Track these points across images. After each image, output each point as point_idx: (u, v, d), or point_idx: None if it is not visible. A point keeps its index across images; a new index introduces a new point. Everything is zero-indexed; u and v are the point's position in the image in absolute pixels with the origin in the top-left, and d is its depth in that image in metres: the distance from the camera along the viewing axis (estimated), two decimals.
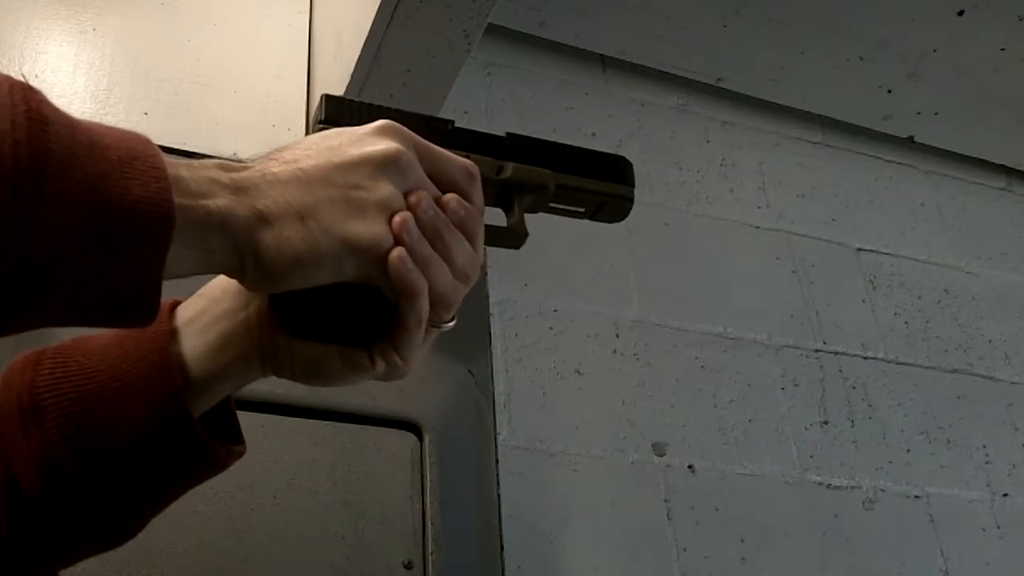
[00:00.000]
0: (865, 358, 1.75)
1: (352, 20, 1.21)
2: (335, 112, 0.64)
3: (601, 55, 1.80)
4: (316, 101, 0.65)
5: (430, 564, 1.12)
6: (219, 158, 0.54)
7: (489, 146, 0.70)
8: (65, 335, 0.59)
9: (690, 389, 1.55)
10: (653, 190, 1.72)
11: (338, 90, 1.22)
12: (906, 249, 1.93)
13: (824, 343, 1.72)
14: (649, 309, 1.59)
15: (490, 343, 1.34)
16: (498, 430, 1.33)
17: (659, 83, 1.84)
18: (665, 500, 1.44)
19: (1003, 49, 1.78)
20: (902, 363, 1.78)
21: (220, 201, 0.50)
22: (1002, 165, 2.15)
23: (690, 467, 1.48)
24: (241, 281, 0.54)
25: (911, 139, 2.04)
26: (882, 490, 1.62)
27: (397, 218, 0.55)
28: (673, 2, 1.67)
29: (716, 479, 1.49)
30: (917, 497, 1.64)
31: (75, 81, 1.27)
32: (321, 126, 0.62)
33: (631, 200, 0.75)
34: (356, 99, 0.67)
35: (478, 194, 0.61)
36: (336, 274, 0.54)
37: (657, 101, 1.83)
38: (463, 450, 1.23)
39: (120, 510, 0.60)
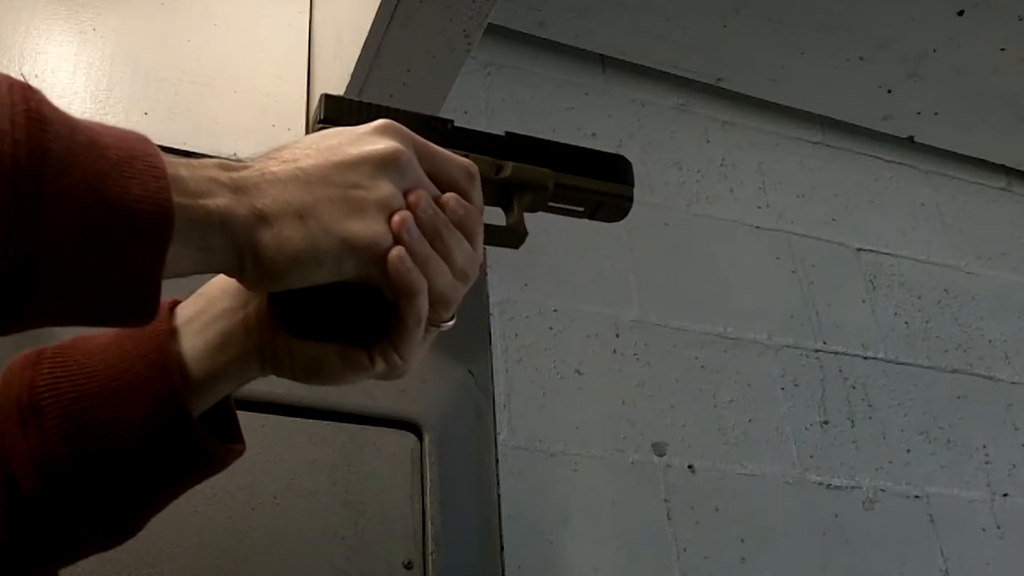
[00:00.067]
0: (865, 358, 1.75)
1: (352, 20, 1.21)
2: (334, 112, 0.64)
3: (601, 55, 1.80)
4: (316, 101, 0.65)
5: (430, 564, 1.12)
6: (219, 158, 0.54)
7: (488, 145, 0.70)
8: (65, 335, 0.59)
9: (690, 389, 1.55)
10: (653, 190, 1.72)
11: (338, 90, 1.22)
12: (906, 249, 1.93)
13: (824, 343, 1.72)
14: (649, 309, 1.59)
15: (490, 343, 1.34)
16: (498, 430, 1.33)
17: (659, 83, 1.84)
18: (665, 500, 1.44)
19: (1003, 49, 1.78)
20: (902, 363, 1.78)
21: (219, 200, 0.50)
22: (1002, 165, 2.15)
23: (690, 467, 1.48)
24: (240, 280, 0.54)
25: (911, 139, 2.04)
26: (882, 490, 1.62)
27: (396, 217, 0.55)
28: (673, 2, 1.67)
29: (716, 479, 1.49)
30: (917, 497, 1.64)
31: (75, 81, 1.27)
32: (320, 125, 0.62)
33: (630, 199, 0.75)
34: (356, 99, 0.67)
35: (477, 193, 0.61)
36: (335, 273, 0.54)
37: (657, 101, 1.83)
38: (463, 450, 1.23)
39: (119, 509, 0.60)
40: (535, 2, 1.66)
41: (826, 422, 1.64)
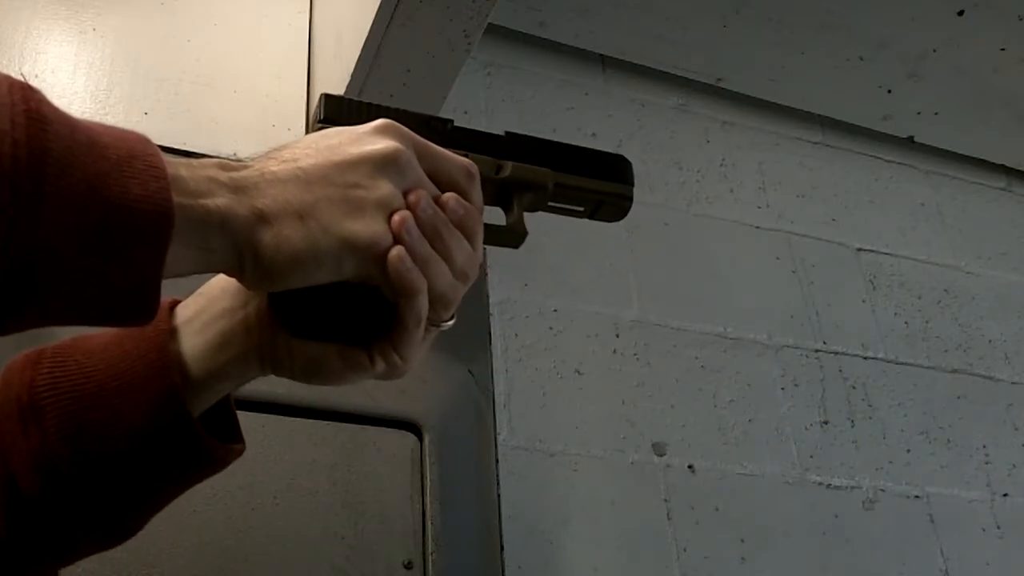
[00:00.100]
0: (865, 358, 1.75)
1: (352, 20, 1.21)
2: (334, 111, 0.64)
3: (601, 55, 1.80)
4: (316, 101, 0.65)
5: (430, 564, 1.12)
6: (219, 158, 0.54)
7: (488, 145, 0.70)
8: (65, 334, 0.59)
9: (690, 389, 1.55)
10: (653, 190, 1.72)
11: (338, 90, 1.22)
12: (906, 249, 1.93)
13: (824, 343, 1.72)
14: (649, 309, 1.59)
15: (490, 343, 1.34)
16: (498, 430, 1.33)
17: (659, 83, 1.84)
18: (665, 500, 1.44)
19: (1003, 49, 1.78)
20: (902, 363, 1.78)
21: (219, 200, 0.50)
22: (1002, 165, 2.15)
23: (690, 467, 1.48)
24: (240, 280, 0.54)
25: (911, 139, 2.04)
26: (882, 490, 1.62)
27: (396, 217, 0.55)
28: (673, 2, 1.67)
29: (716, 479, 1.49)
30: (917, 497, 1.64)
31: (75, 81, 1.27)
32: (320, 125, 0.62)
33: (630, 199, 0.75)
34: (355, 98, 0.67)
35: (477, 193, 0.61)
36: (335, 273, 0.54)
37: (657, 101, 1.83)
38: (463, 450, 1.23)
39: (119, 509, 0.60)
40: (535, 2, 1.66)
41: (826, 422, 1.64)
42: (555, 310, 1.51)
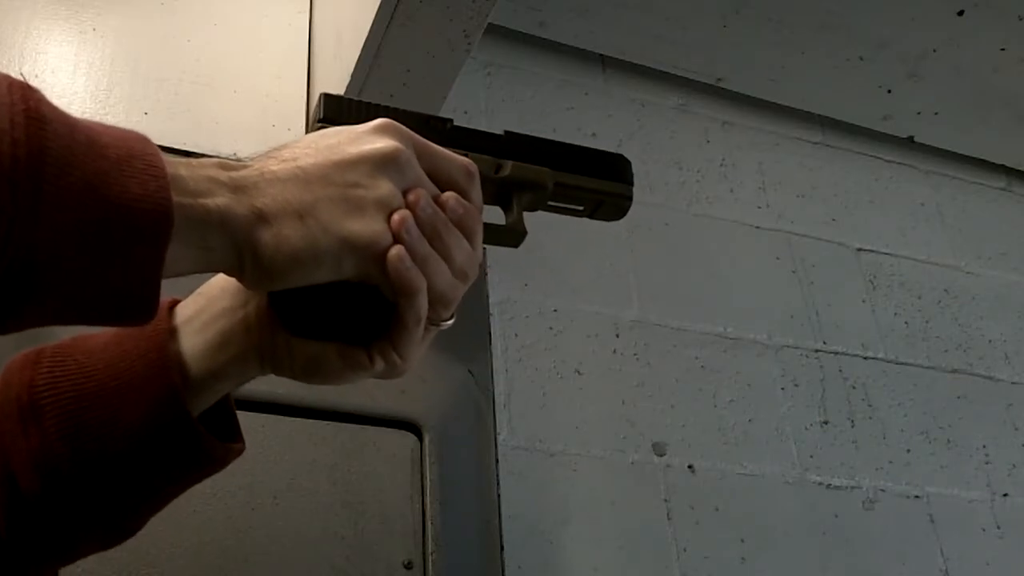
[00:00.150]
0: (865, 358, 1.75)
1: (352, 20, 1.21)
2: (334, 111, 0.64)
3: (601, 55, 1.80)
4: (316, 101, 0.65)
5: (430, 564, 1.12)
6: (219, 157, 0.54)
7: (488, 144, 0.70)
8: (65, 334, 0.59)
9: (690, 389, 1.55)
10: (653, 190, 1.72)
11: (338, 90, 1.22)
12: (906, 249, 1.93)
13: (824, 343, 1.72)
14: (649, 309, 1.59)
15: (490, 343, 1.34)
16: (498, 430, 1.33)
17: (659, 83, 1.84)
18: (665, 500, 1.44)
19: (1003, 49, 1.78)
20: (902, 363, 1.78)
21: (219, 200, 0.50)
22: (1002, 165, 2.15)
23: (690, 467, 1.48)
24: (240, 279, 0.54)
25: (911, 139, 2.04)
26: (882, 490, 1.62)
27: (396, 216, 0.55)
28: (673, 2, 1.67)
29: (716, 479, 1.49)
30: (917, 497, 1.64)
31: (75, 81, 1.27)
32: (320, 125, 0.62)
33: (630, 198, 0.75)
34: (355, 98, 0.67)
35: (477, 192, 0.61)
36: (335, 272, 0.54)
37: (657, 101, 1.83)
38: (463, 450, 1.23)
39: (119, 508, 0.60)
40: (535, 2, 1.66)
41: (826, 422, 1.64)
42: (555, 310, 1.51)
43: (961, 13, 1.68)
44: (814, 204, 1.88)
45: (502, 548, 1.21)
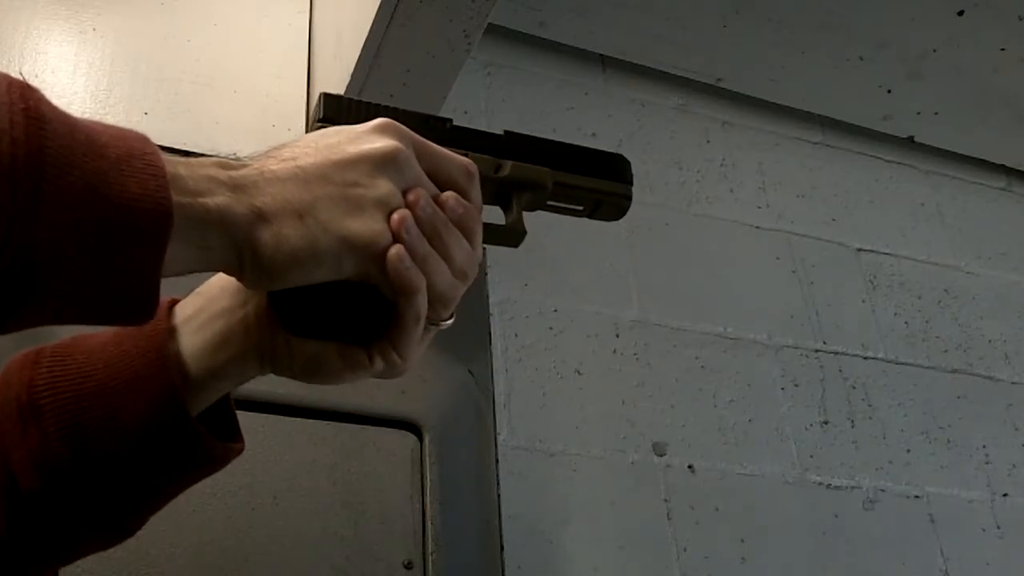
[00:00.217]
0: (865, 358, 1.75)
1: (352, 20, 1.21)
2: (334, 110, 0.64)
3: (601, 55, 1.80)
4: (316, 101, 0.65)
5: (430, 564, 1.12)
6: (218, 157, 0.54)
7: (487, 144, 0.70)
8: (65, 334, 0.59)
9: (690, 389, 1.55)
10: (653, 190, 1.72)
11: (338, 90, 1.22)
12: (906, 249, 1.93)
13: (824, 343, 1.72)
14: (649, 309, 1.59)
15: (490, 343, 1.34)
16: (498, 430, 1.33)
17: (659, 83, 1.84)
18: (665, 500, 1.44)
19: (1003, 49, 1.78)
20: (902, 363, 1.78)
21: (219, 199, 0.50)
22: (1002, 165, 2.15)
23: (690, 467, 1.48)
24: (240, 279, 0.54)
25: (911, 139, 2.04)
26: (882, 490, 1.62)
27: (395, 216, 0.55)
28: (673, 2, 1.67)
29: (716, 479, 1.49)
30: (917, 497, 1.64)
31: (75, 81, 1.27)
32: (320, 124, 0.62)
33: (629, 198, 0.75)
34: (355, 98, 0.67)
35: (476, 192, 0.61)
36: (335, 272, 0.54)
37: (657, 101, 1.83)
38: (463, 450, 1.23)
39: (119, 508, 0.60)
40: (535, 2, 1.66)
41: (826, 422, 1.64)
42: (555, 310, 1.51)
43: (961, 13, 1.68)
44: (814, 204, 1.88)
45: (502, 548, 1.21)
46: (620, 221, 0.77)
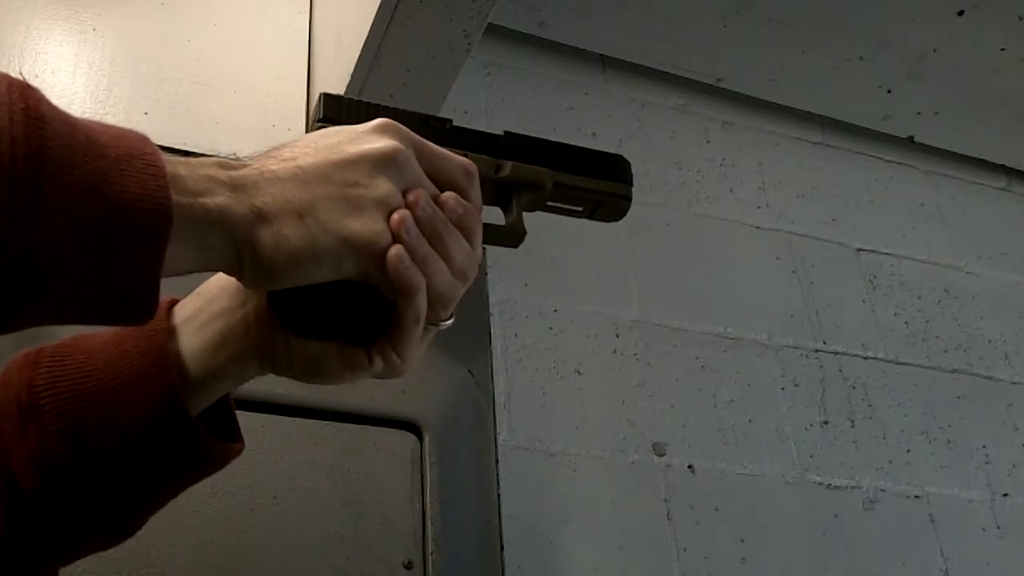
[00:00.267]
0: (865, 358, 1.75)
1: (352, 20, 1.21)
2: (334, 111, 0.64)
3: (601, 55, 1.80)
4: (316, 101, 0.65)
5: (430, 564, 1.12)
6: (218, 157, 0.54)
7: (487, 145, 0.70)
8: (64, 333, 0.59)
9: (690, 389, 1.55)
10: (653, 190, 1.72)
11: (338, 90, 1.22)
12: (906, 249, 1.93)
13: (824, 343, 1.72)
14: (649, 309, 1.59)
15: (490, 343, 1.34)
16: (498, 430, 1.33)
17: (659, 83, 1.84)
18: (665, 500, 1.44)
19: (1003, 49, 1.78)
20: (902, 363, 1.78)
21: (218, 199, 0.50)
22: (1002, 165, 2.15)
23: (690, 467, 1.48)
24: (239, 279, 0.54)
25: (911, 139, 2.04)
26: (882, 490, 1.62)
27: (395, 216, 0.55)
28: (673, 2, 1.67)
29: (716, 479, 1.49)
30: (917, 497, 1.64)
31: (75, 81, 1.27)
32: (320, 124, 0.62)
33: (629, 199, 0.75)
34: (355, 98, 0.67)
35: (476, 192, 0.61)
36: (335, 272, 0.54)
37: (657, 101, 1.83)
38: (463, 450, 1.23)
39: (119, 508, 0.60)
40: (535, 2, 1.66)
41: (826, 422, 1.64)
42: (555, 310, 1.51)
43: (961, 13, 1.68)
44: (814, 204, 1.88)
45: (502, 548, 1.21)
46: (620, 221, 0.77)
